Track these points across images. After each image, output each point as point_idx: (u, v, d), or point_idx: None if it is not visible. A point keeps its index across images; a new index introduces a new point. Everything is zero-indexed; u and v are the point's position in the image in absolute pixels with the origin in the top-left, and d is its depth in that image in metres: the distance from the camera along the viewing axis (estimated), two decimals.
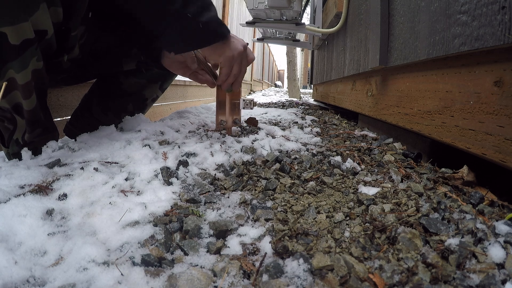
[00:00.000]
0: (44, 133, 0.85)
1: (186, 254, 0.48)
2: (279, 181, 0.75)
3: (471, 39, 0.66)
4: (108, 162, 0.77)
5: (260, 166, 0.85)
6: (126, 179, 0.69)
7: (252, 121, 1.30)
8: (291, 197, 0.68)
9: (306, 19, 2.81)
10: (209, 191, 0.68)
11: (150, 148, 0.87)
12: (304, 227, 0.55)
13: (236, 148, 0.94)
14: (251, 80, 8.75)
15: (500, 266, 0.43)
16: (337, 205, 0.64)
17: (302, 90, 9.94)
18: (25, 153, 0.79)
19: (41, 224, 0.51)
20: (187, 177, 0.73)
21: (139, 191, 0.65)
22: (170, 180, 0.70)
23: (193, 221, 0.54)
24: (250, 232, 0.53)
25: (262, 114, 1.81)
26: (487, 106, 0.65)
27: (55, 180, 0.66)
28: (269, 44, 13.34)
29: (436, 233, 0.50)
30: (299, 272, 0.43)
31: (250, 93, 8.11)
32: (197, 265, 0.45)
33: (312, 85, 4.00)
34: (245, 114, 1.53)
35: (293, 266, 0.44)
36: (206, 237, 0.52)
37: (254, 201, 0.64)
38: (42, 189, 0.61)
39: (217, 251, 0.48)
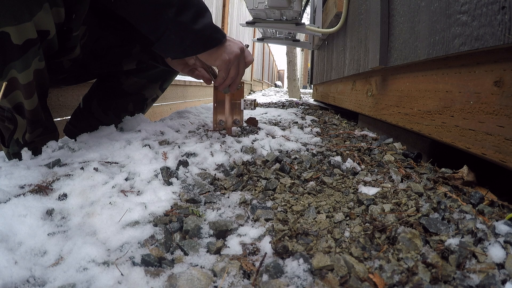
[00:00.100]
0: (44, 133, 0.85)
1: (186, 254, 0.48)
2: (279, 181, 0.75)
3: (471, 39, 0.66)
4: (108, 162, 0.77)
5: (260, 166, 0.85)
6: (126, 179, 0.69)
7: (252, 121, 1.30)
8: (291, 197, 0.68)
9: (306, 19, 2.81)
10: (209, 191, 0.68)
11: (150, 148, 0.87)
12: (304, 227, 0.55)
13: (236, 148, 0.94)
14: (251, 80, 8.75)
15: (500, 266, 0.43)
16: (337, 205, 0.64)
17: (302, 90, 9.94)
18: (25, 153, 0.79)
19: (41, 224, 0.51)
20: (187, 177, 0.73)
21: (139, 191, 0.65)
22: (170, 180, 0.70)
23: (193, 221, 0.54)
24: (250, 232, 0.53)
25: (262, 114, 1.81)
26: (487, 106, 0.65)
27: (55, 180, 0.66)
28: (269, 44, 13.34)
29: (436, 233, 0.50)
30: (299, 272, 0.43)
31: (250, 93, 8.11)
32: (197, 265, 0.45)
33: (312, 85, 4.00)
34: (245, 114, 1.52)
35: (293, 266, 0.44)
36: (206, 237, 0.52)
37: (254, 201, 0.64)
38: (42, 189, 0.61)
39: (217, 251, 0.48)
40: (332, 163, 0.86)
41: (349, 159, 0.88)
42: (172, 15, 0.80)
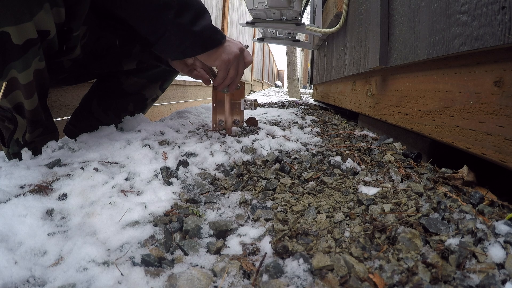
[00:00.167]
0: (44, 133, 0.85)
1: (186, 254, 0.48)
2: (279, 181, 0.75)
3: (471, 39, 0.66)
4: (108, 162, 0.77)
5: (260, 166, 0.85)
6: (126, 179, 0.69)
7: (252, 121, 1.30)
8: (291, 197, 0.68)
9: (306, 19, 2.81)
10: (209, 191, 0.68)
11: (150, 148, 0.87)
12: (304, 227, 0.55)
13: (236, 148, 0.94)
14: (251, 80, 8.75)
15: (500, 266, 0.43)
16: (337, 205, 0.64)
17: (302, 90, 9.95)
18: (25, 153, 0.79)
19: (41, 224, 0.51)
20: (187, 177, 0.73)
21: (139, 191, 0.65)
22: (170, 180, 0.70)
23: (193, 221, 0.54)
24: (250, 232, 0.53)
25: (262, 114, 1.81)
26: (487, 106, 0.65)
27: (55, 180, 0.66)
28: (269, 44, 13.34)
29: (436, 233, 0.50)
30: (299, 272, 0.43)
31: (250, 93, 8.12)
32: (197, 265, 0.45)
33: (312, 85, 4.00)
34: (245, 114, 1.52)
35: (293, 266, 0.44)
36: (206, 237, 0.52)
37: (254, 201, 0.64)
38: (42, 189, 0.61)
39: (217, 251, 0.48)
40: (332, 163, 0.86)
41: (349, 159, 0.88)
42: (172, 16, 0.80)
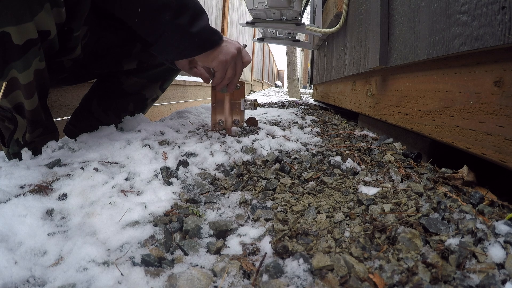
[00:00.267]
0: (44, 133, 0.85)
1: (186, 254, 0.48)
2: (279, 181, 0.75)
3: (471, 39, 0.66)
4: (108, 162, 0.77)
5: (260, 166, 0.85)
6: (126, 179, 0.69)
7: (252, 121, 1.30)
8: (291, 197, 0.68)
9: (306, 19, 2.81)
10: (209, 191, 0.68)
11: (150, 148, 0.87)
12: (304, 227, 0.55)
13: (236, 148, 0.94)
14: (251, 80, 8.75)
15: (500, 266, 0.43)
16: (337, 205, 0.64)
17: (302, 90, 9.94)
18: (25, 153, 0.79)
19: (41, 224, 0.51)
20: (187, 177, 0.73)
21: (139, 191, 0.65)
22: (170, 180, 0.70)
23: (193, 221, 0.54)
24: (250, 232, 0.53)
25: (262, 114, 1.81)
26: (487, 106, 0.65)
27: (55, 180, 0.66)
28: (269, 44, 13.34)
29: (436, 233, 0.50)
30: (299, 272, 0.43)
31: (250, 93, 8.11)
32: (197, 265, 0.45)
33: (312, 85, 4.00)
34: (245, 114, 1.52)
35: (293, 266, 0.44)
36: (206, 237, 0.52)
37: (254, 201, 0.64)
38: (42, 189, 0.61)
39: (217, 251, 0.48)
40: (332, 163, 0.86)
41: (349, 159, 0.88)
42: (170, 18, 0.80)
